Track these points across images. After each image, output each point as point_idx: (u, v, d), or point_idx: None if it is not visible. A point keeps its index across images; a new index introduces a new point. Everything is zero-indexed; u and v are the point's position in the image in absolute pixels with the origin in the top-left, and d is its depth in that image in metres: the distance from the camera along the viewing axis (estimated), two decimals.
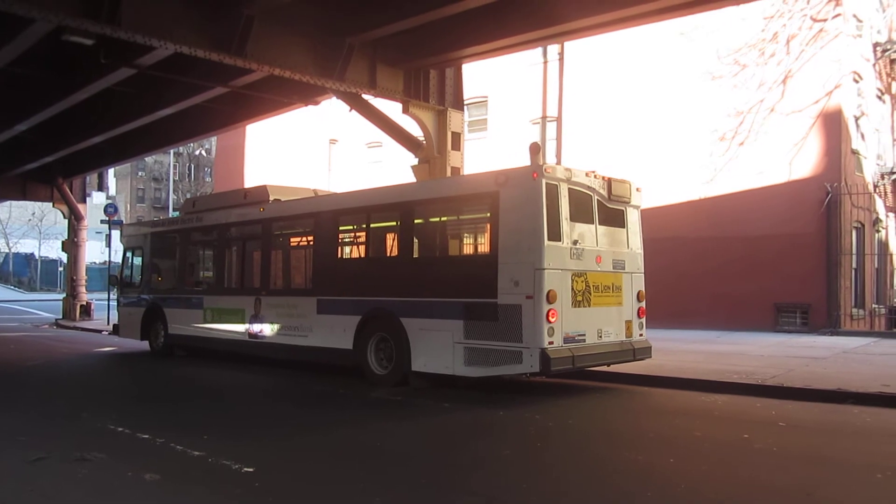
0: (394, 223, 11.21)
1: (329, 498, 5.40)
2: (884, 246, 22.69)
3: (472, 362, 9.56)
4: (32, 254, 64.40)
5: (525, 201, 9.20)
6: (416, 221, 10.86)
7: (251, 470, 6.00)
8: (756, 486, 5.61)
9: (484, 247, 10.09)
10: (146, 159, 73.11)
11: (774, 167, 18.42)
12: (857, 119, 19.23)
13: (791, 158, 18.22)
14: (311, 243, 12.57)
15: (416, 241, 10.90)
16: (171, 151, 54.05)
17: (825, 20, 15.39)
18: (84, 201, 28.85)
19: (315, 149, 30.15)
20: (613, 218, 10.27)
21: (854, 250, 19.56)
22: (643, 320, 10.61)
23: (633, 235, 10.60)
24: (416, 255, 10.83)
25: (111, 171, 58.84)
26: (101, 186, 44.25)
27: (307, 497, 5.44)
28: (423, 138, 14.59)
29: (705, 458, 6.52)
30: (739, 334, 17.20)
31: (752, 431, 7.51)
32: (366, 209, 11.60)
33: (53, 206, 29.07)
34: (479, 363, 9.49)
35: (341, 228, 12.05)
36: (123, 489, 5.53)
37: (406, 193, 11.31)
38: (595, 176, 9.95)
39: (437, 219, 10.83)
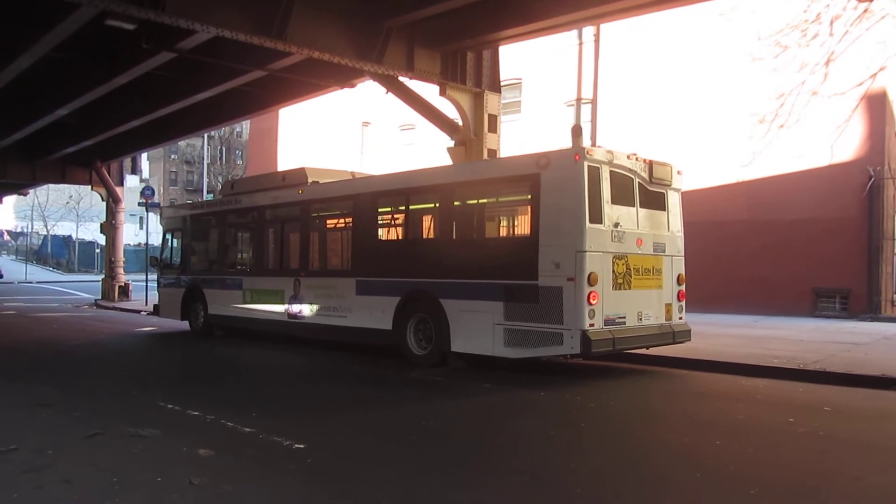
0: (433, 205, 11.26)
1: (378, 475, 5.50)
2: None
3: (511, 343, 9.62)
4: (70, 236, 65.71)
5: (567, 184, 9.19)
6: (455, 203, 10.89)
7: (302, 447, 6.13)
8: (802, 468, 5.61)
9: (525, 229, 10.10)
10: (179, 143, 73.93)
11: (815, 150, 18.12)
12: None
13: (833, 142, 17.90)
14: (350, 225, 12.68)
15: (455, 223, 10.94)
16: (205, 135, 54.55)
17: (871, 0, 15.00)
18: (121, 184, 29.34)
19: (347, 131, 30.25)
20: (654, 201, 10.22)
21: None
22: (683, 303, 10.58)
23: (674, 218, 10.55)
24: (455, 237, 10.88)
25: (144, 155, 59.55)
26: (135, 170, 44.92)
27: (358, 473, 5.55)
28: (459, 121, 14.58)
29: (751, 441, 6.51)
30: (777, 319, 17.03)
31: (797, 415, 7.48)
32: (405, 191, 11.66)
33: (92, 189, 29.59)
34: (519, 344, 9.54)
35: (380, 210, 12.13)
36: (181, 464, 5.67)
37: (445, 175, 11.36)
38: (636, 158, 9.90)
39: (478, 201, 10.85)
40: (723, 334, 13.65)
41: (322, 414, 7.87)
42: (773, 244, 18.65)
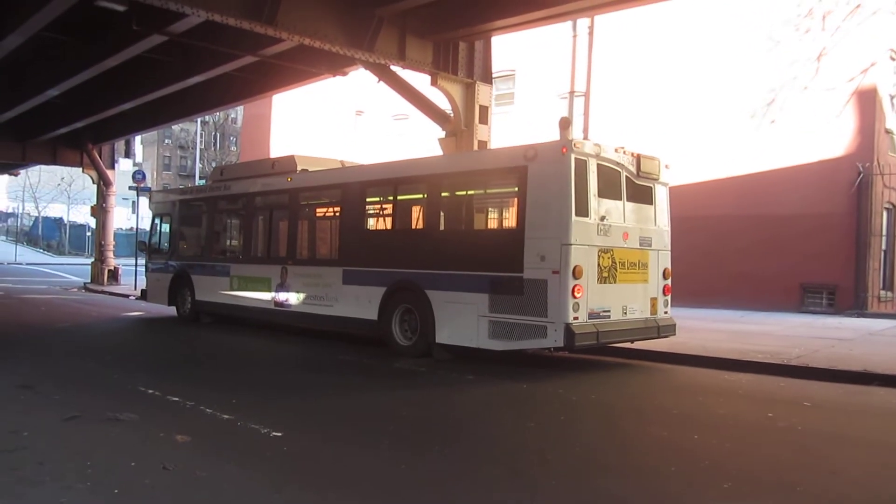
0: (421, 195, 11.22)
1: (352, 464, 5.50)
2: None
3: (496, 335, 9.62)
4: (61, 218, 65.36)
5: (553, 176, 9.18)
6: (443, 194, 10.87)
7: (279, 434, 6.13)
8: (779, 463, 5.63)
9: (511, 221, 10.09)
10: (172, 127, 73.53)
11: (805, 146, 18.14)
12: (892, 98, 18.83)
13: (822, 137, 17.93)
14: (338, 214, 12.63)
15: (443, 213, 10.93)
16: (199, 120, 54.24)
17: None
18: (113, 167, 29.14)
19: (340, 120, 30.14)
20: (642, 194, 10.21)
21: (884, 232, 19.28)
22: (668, 298, 10.59)
23: (661, 213, 10.54)
24: (442, 227, 10.87)
25: (138, 139, 59.18)
26: (128, 153, 44.55)
27: (333, 461, 5.55)
28: (450, 111, 14.53)
29: (729, 435, 6.54)
30: (764, 314, 17.09)
31: (776, 410, 7.52)
32: (393, 181, 11.63)
33: (83, 171, 29.38)
34: (504, 336, 9.55)
35: (368, 200, 12.10)
36: (156, 449, 5.66)
37: (434, 166, 11.33)
38: (624, 152, 9.88)
39: (465, 192, 10.82)
40: (709, 329, 13.69)
41: (303, 402, 7.88)
42: (762, 239, 18.71)
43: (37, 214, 68.38)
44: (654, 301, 10.29)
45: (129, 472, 5.13)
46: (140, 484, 4.87)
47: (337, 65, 15.95)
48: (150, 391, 7.95)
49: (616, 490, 5.01)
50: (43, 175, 62.23)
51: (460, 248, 10.36)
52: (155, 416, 6.82)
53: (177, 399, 7.52)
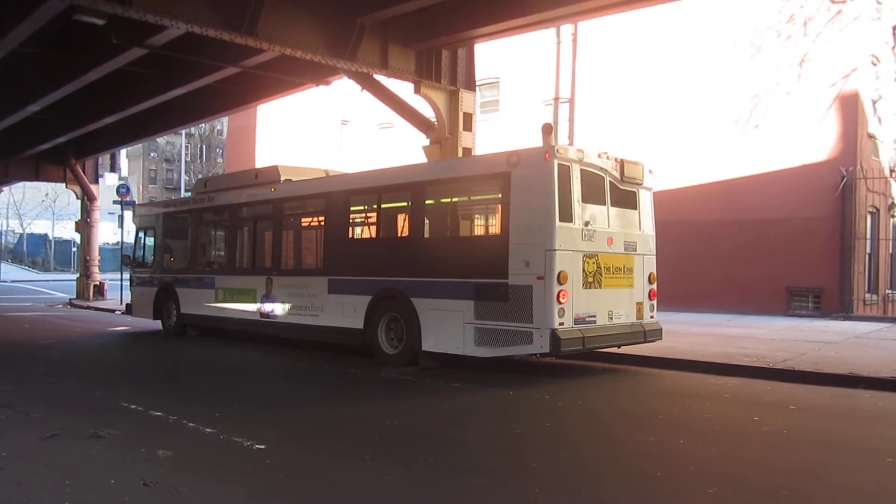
0: (405, 203, 11.19)
1: (336, 476, 5.43)
2: None
3: (482, 342, 9.58)
4: (46, 234, 64.86)
5: (537, 182, 9.16)
6: (427, 202, 10.85)
7: (262, 447, 6.05)
8: (765, 467, 5.60)
9: (495, 227, 10.07)
10: (158, 140, 73.40)
11: (789, 151, 18.25)
12: (874, 102, 18.94)
13: (806, 142, 18.03)
14: (323, 223, 12.57)
15: (427, 221, 10.89)
16: (183, 132, 54.12)
17: (844, 2, 15.13)
18: (97, 182, 28.96)
19: (326, 130, 30.09)
20: (626, 200, 10.22)
21: (868, 235, 19.41)
22: (654, 302, 10.59)
23: (646, 217, 10.55)
24: (427, 235, 10.83)
25: (123, 153, 59.03)
26: (114, 167, 44.38)
27: (316, 473, 5.48)
28: (434, 119, 14.52)
29: (715, 440, 6.52)
30: (750, 318, 17.13)
31: (763, 414, 7.51)
32: (376, 189, 11.60)
33: (66, 186, 29.18)
34: (490, 343, 9.50)
35: (352, 209, 12.06)
36: (136, 465, 5.57)
37: (417, 174, 11.28)
38: (607, 157, 9.89)
39: (449, 199, 10.81)
40: (695, 333, 13.70)
41: (287, 413, 7.79)
42: (748, 243, 18.77)
43: (21, 231, 67.78)
44: (639, 306, 10.28)
45: (108, 489, 5.04)
46: (119, 502, 4.78)
47: (320, 74, 15.92)
48: (133, 406, 7.84)
49: (603, 497, 4.97)
50: (27, 191, 61.79)
51: (445, 255, 10.32)
52: (137, 432, 6.72)
53: (160, 414, 7.43)
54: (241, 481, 5.22)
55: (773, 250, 18.40)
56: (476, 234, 10.90)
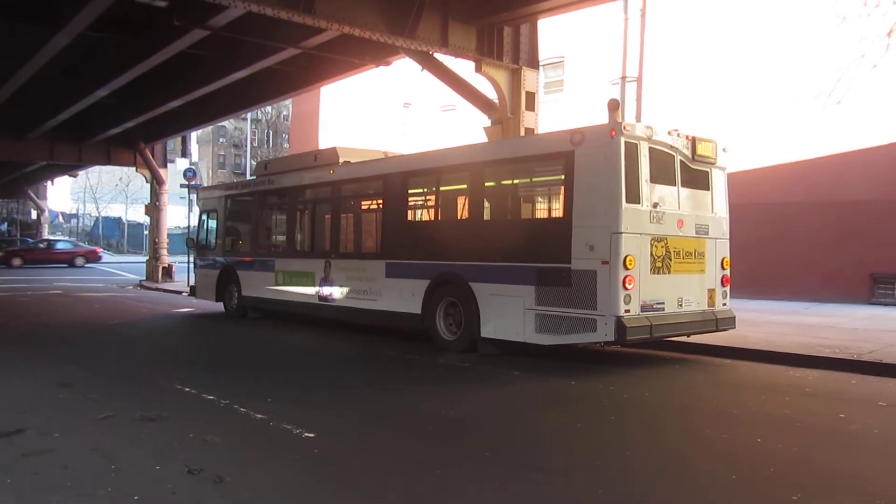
0: (464, 185, 10.84)
1: (387, 468, 5.17)
2: None
3: (543, 329, 9.19)
4: (120, 218, 67.10)
5: (602, 161, 8.68)
6: (486, 183, 10.47)
7: (311, 435, 5.85)
8: (856, 474, 5.08)
9: (558, 209, 9.60)
10: (226, 126, 74.89)
11: (875, 128, 17.11)
12: None
13: (893, 118, 16.88)
14: (381, 206, 12.33)
15: (486, 203, 10.53)
16: (248, 117, 54.85)
17: None
18: (165, 166, 29.53)
19: (388, 113, 29.95)
20: (697, 180, 9.63)
21: None
22: (727, 289, 9.99)
23: (718, 199, 9.94)
24: (486, 217, 10.48)
25: (193, 138, 60.34)
26: (185, 152, 45.31)
27: (366, 465, 5.22)
28: (496, 99, 14.08)
29: (796, 440, 6.00)
30: (830, 306, 16.20)
31: (848, 410, 6.92)
32: (435, 171, 11.28)
33: (136, 170, 29.88)
34: (551, 330, 9.10)
35: (411, 191, 11.76)
36: (183, 451, 5.43)
37: (477, 154, 10.89)
38: (678, 134, 9.31)
39: (509, 180, 10.40)
40: (771, 321, 12.97)
41: (339, 400, 7.58)
42: (829, 226, 17.72)
43: (97, 215, 70.32)
44: (711, 292, 9.70)
45: (152, 476, 4.92)
46: (161, 489, 4.63)
47: (380, 54, 15.67)
48: (187, 389, 7.78)
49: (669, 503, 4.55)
50: (102, 176, 63.97)
51: (505, 238, 9.94)
52: (188, 416, 6.64)
53: (212, 398, 7.33)
54: (286, 471, 5.00)
55: (856, 235, 17.34)
56: (538, 216, 10.47)
